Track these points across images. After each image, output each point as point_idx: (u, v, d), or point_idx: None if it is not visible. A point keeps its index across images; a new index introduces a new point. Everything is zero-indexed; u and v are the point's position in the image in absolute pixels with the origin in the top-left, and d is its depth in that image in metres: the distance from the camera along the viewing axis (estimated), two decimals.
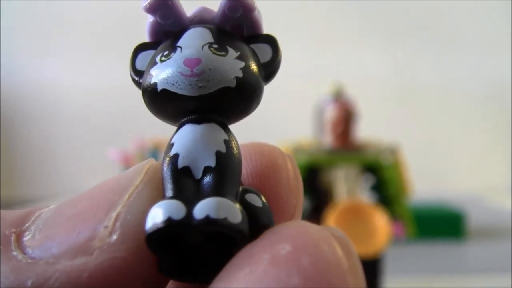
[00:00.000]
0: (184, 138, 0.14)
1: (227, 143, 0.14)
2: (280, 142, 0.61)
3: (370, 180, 0.58)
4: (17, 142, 1.34)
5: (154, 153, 0.84)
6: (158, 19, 0.15)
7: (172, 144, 0.14)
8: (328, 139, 0.58)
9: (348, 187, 0.53)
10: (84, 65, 1.33)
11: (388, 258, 0.54)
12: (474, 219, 0.83)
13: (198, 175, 0.14)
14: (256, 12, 0.15)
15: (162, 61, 0.14)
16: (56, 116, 1.34)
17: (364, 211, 0.50)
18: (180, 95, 0.14)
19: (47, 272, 0.12)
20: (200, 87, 0.14)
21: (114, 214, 0.13)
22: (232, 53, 0.15)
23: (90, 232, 0.13)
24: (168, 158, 0.14)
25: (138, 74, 0.15)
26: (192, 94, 0.14)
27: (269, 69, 0.15)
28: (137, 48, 0.16)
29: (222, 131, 0.15)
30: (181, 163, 0.14)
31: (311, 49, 1.32)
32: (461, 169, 1.34)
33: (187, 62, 0.14)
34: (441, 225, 0.78)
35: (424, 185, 0.88)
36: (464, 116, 1.35)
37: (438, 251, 0.73)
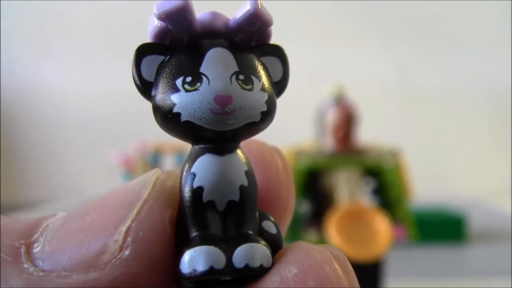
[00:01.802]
0: (207, 171, 0.14)
1: (248, 174, 0.15)
2: (281, 146, 0.61)
3: (371, 183, 0.58)
4: (18, 145, 1.34)
5: (155, 157, 0.84)
6: (169, 26, 0.14)
7: (194, 174, 0.14)
8: (329, 143, 0.58)
9: (349, 191, 0.53)
10: (85, 68, 1.33)
11: (389, 261, 0.54)
12: (475, 222, 0.83)
13: (222, 207, 0.14)
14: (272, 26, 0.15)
15: (186, 90, 0.14)
16: (57, 119, 1.34)
17: (365, 214, 0.50)
18: (205, 128, 0.14)
19: (60, 286, 0.12)
20: (228, 124, 0.14)
21: (123, 228, 0.13)
22: (257, 84, 0.15)
23: (100, 246, 0.13)
24: (191, 190, 0.14)
25: (145, 84, 0.15)
26: (219, 130, 0.14)
27: (281, 86, 0.16)
28: (140, 51, 0.15)
29: (242, 161, 0.15)
30: (206, 197, 0.14)
31: (312, 52, 1.32)
32: (462, 172, 1.34)
33: (218, 100, 0.14)
34: (442, 228, 0.78)
35: (425, 189, 0.88)
36: (465, 119, 1.35)
37: (439, 254, 0.73)
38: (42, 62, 1.34)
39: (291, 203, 0.17)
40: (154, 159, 0.84)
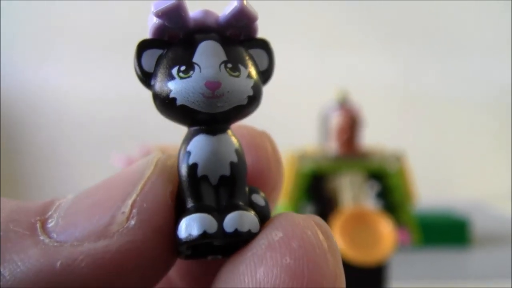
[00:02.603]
0: (201, 149, 0.16)
1: (237, 152, 0.16)
2: (285, 149, 0.61)
3: (375, 187, 0.58)
4: (21, 148, 1.34)
5: None
6: (166, 23, 0.16)
7: (189, 153, 0.16)
8: (333, 146, 0.58)
9: (353, 194, 0.53)
10: (88, 71, 1.33)
11: (393, 265, 0.54)
12: (479, 226, 0.83)
13: (215, 182, 0.16)
14: (257, 22, 0.17)
15: (181, 77, 0.16)
16: (60, 122, 1.34)
17: (369, 218, 0.50)
18: (198, 111, 0.16)
19: (74, 254, 0.14)
20: (218, 106, 0.16)
21: (130, 202, 0.15)
22: (244, 72, 0.16)
23: (109, 218, 0.15)
24: (187, 166, 0.16)
25: (145, 75, 0.16)
26: (210, 112, 0.16)
27: (267, 75, 0.18)
28: (141, 45, 0.16)
29: (232, 141, 0.17)
30: (200, 172, 0.16)
31: (316, 55, 1.32)
32: (466, 176, 1.33)
33: (209, 85, 0.16)
34: (446, 232, 0.78)
35: (429, 192, 0.88)
36: (469, 123, 1.35)
37: (443, 258, 0.73)
38: (44, 64, 1.34)
39: (280, 182, 0.19)
40: None
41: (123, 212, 0.15)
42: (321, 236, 0.15)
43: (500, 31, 1.34)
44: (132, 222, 0.15)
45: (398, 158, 0.58)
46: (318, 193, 0.57)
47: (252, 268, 0.14)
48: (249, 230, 0.15)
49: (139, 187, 0.15)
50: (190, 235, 0.15)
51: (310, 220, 0.15)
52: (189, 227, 0.15)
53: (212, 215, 0.15)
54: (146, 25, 0.16)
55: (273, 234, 0.15)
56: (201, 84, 0.15)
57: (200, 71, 0.16)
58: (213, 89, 0.15)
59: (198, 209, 0.15)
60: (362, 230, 0.49)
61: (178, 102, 0.16)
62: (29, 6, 1.31)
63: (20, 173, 1.35)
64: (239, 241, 0.15)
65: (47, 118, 1.34)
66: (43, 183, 1.35)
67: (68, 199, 0.16)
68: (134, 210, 0.15)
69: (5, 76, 1.31)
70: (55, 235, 0.14)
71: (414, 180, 0.61)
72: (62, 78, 1.34)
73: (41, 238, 0.14)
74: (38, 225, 0.15)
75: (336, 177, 0.55)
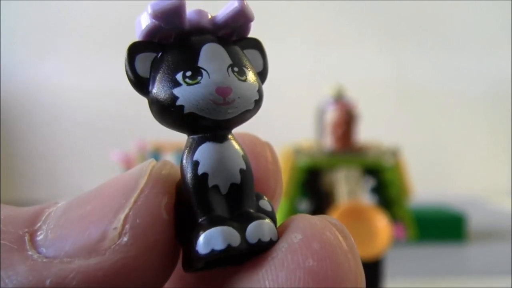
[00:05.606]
0: (210, 159, 0.15)
1: (245, 158, 0.16)
2: (282, 144, 0.61)
3: (371, 182, 0.58)
4: (19, 144, 1.34)
5: (155, 155, 0.84)
6: (162, 24, 0.15)
7: (197, 162, 0.15)
8: (329, 141, 0.58)
9: (349, 189, 0.53)
10: (86, 67, 1.33)
11: (389, 260, 0.54)
12: (475, 221, 0.83)
13: (225, 191, 0.15)
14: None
15: (188, 83, 0.15)
16: (58, 118, 1.34)
17: (365, 213, 0.50)
18: (206, 118, 0.15)
19: (64, 271, 0.13)
20: (228, 113, 0.15)
21: (122, 216, 0.14)
22: (250, 75, 0.16)
23: (100, 233, 0.14)
24: (196, 177, 0.15)
25: (141, 81, 0.15)
26: (219, 119, 0.15)
27: (263, 77, 0.17)
28: (133, 49, 0.15)
29: (238, 147, 0.16)
30: (211, 183, 0.15)
31: (313, 51, 1.32)
32: (462, 171, 1.34)
33: (220, 91, 0.15)
34: (442, 227, 0.78)
35: (425, 187, 0.88)
36: (465, 118, 1.35)
37: (439, 253, 0.73)
38: (42, 60, 1.34)
39: (278, 193, 0.19)
40: (153, 158, 0.84)
41: (115, 228, 0.14)
42: (340, 237, 0.15)
43: (494, 26, 1.34)
44: (125, 238, 0.14)
45: (394, 153, 0.58)
46: (314, 188, 0.57)
47: (273, 272, 0.14)
48: (271, 239, 0.15)
49: (132, 200, 0.14)
50: (213, 250, 0.14)
51: (326, 221, 0.15)
52: (211, 241, 0.14)
53: (232, 227, 0.14)
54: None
55: (292, 237, 0.14)
56: (211, 90, 0.15)
57: (209, 77, 0.15)
58: (224, 95, 0.15)
59: (213, 221, 0.15)
60: (358, 225, 0.49)
61: (186, 110, 0.15)
62: (27, 4, 1.31)
63: (19, 169, 1.35)
64: (261, 250, 0.15)
65: (45, 114, 1.34)
66: (42, 178, 1.35)
67: (58, 208, 0.15)
68: (127, 226, 0.14)
69: (4, 73, 1.30)
70: (44, 250, 0.14)
71: (410, 175, 0.61)
72: (60, 74, 1.33)
73: (30, 253, 0.14)
74: (26, 238, 0.14)
75: (332, 172, 0.55)
